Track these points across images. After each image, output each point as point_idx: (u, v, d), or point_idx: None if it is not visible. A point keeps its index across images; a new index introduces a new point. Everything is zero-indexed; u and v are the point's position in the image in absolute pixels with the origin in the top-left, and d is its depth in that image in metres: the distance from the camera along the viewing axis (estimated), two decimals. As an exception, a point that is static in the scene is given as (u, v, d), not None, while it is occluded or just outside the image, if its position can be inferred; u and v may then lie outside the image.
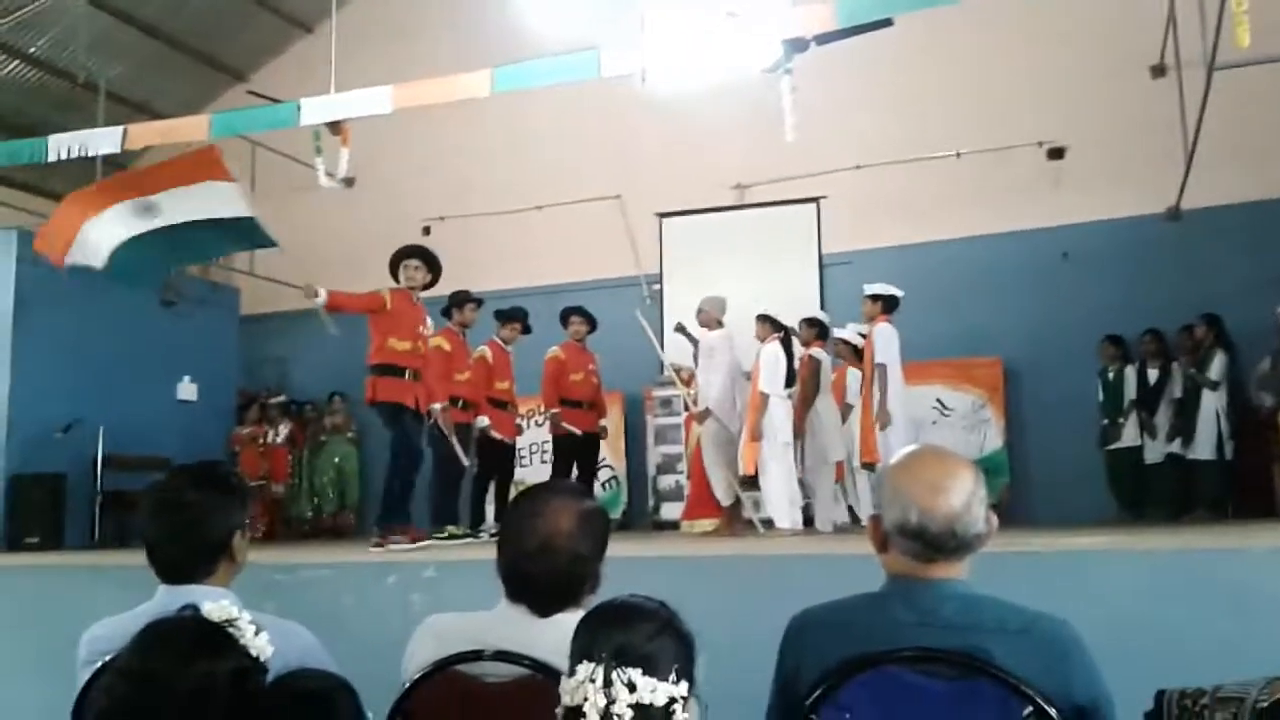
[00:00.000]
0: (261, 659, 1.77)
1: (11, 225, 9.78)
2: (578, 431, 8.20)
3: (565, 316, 8.48)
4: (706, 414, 7.63)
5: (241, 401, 11.67)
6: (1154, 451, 8.99)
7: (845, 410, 8.06)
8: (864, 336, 8.07)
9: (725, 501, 7.59)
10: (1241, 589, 3.71)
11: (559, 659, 1.69)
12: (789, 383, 7.52)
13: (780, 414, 7.37)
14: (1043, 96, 9.90)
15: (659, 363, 9.32)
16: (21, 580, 6.28)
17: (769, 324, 7.67)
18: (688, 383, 8.34)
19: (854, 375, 8.10)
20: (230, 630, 1.77)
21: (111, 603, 2.10)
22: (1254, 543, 4.31)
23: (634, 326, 8.48)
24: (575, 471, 8.17)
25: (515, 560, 2.05)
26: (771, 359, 7.45)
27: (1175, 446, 8.81)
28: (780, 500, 7.25)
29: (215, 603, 1.83)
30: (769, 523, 7.42)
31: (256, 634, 1.79)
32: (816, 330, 8.09)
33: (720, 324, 7.85)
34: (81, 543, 8.91)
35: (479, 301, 7.98)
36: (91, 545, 8.81)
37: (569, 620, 1.79)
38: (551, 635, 1.89)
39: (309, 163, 7.48)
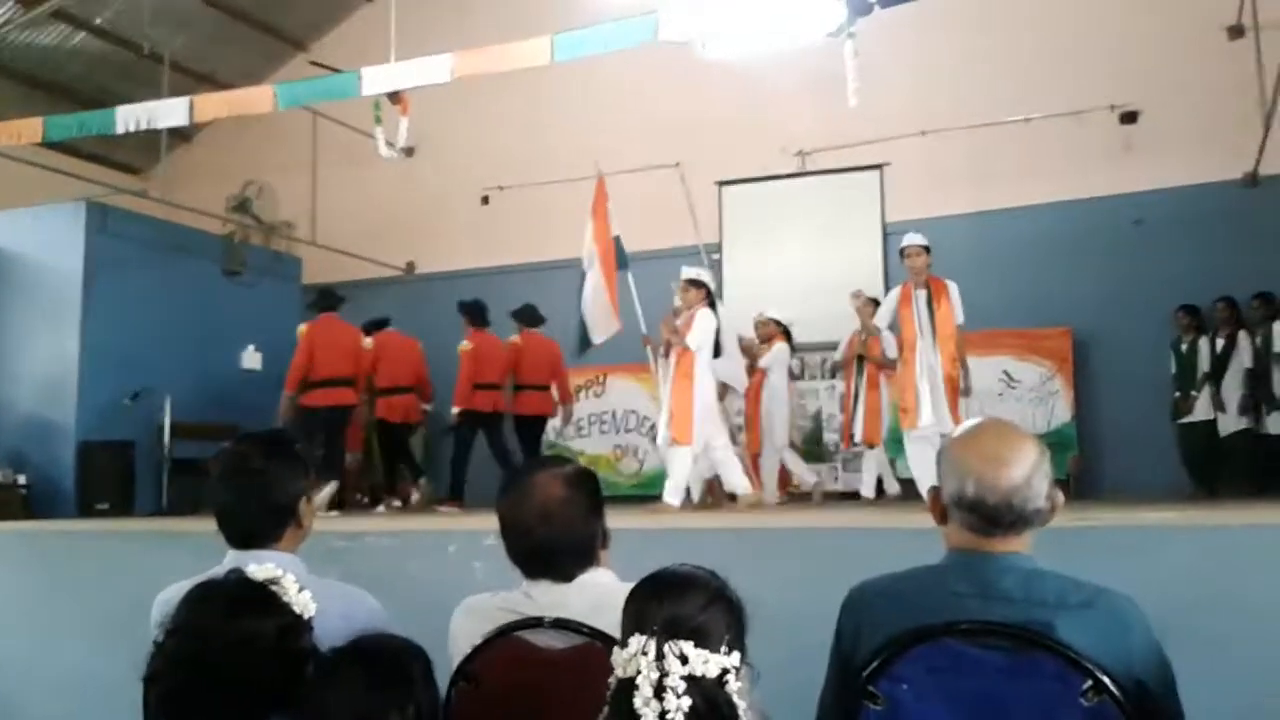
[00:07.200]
0: (305, 616, 1.84)
1: (80, 197, 9.97)
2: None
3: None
4: None
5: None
6: (1227, 425, 8.72)
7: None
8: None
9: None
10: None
11: (595, 618, 1.76)
12: (717, 352, 7.26)
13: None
14: (1114, 58, 9.61)
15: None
16: (93, 545, 6.42)
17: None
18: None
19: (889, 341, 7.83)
20: (273, 589, 1.83)
21: (182, 568, 2.14)
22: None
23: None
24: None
25: (519, 542, 2.11)
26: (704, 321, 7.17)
27: (1248, 420, 8.56)
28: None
29: (261, 565, 1.88)
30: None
31: (299, 592, 1.85)
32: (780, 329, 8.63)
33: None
34: (151, 509, 9.09)
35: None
36: (160, 512, 8.98)
37: (592, 579, 1.81)
38: (580, 596, 1.98)
39: (369, 132, 7.55)
